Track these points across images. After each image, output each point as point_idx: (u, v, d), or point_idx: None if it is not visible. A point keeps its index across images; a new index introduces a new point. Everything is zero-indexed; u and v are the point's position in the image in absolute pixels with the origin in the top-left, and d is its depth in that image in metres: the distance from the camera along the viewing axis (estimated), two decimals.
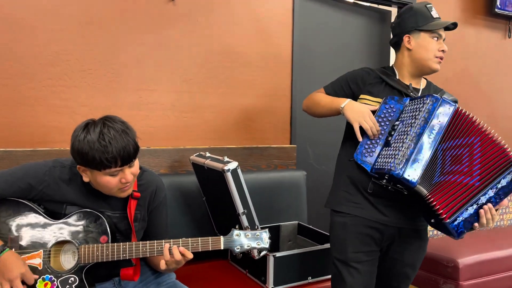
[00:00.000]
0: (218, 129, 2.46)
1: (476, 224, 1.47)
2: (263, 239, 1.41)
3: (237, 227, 1.43)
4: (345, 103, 1.64)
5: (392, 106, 1.62)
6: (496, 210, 1.48)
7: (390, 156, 1.52)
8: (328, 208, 1.77)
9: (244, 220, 1.81)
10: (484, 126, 1.49)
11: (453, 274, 2.54)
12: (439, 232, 2.96)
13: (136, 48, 2.21)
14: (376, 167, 1.57)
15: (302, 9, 2.76)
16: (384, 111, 1.63)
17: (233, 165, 1.78)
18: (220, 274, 2.10)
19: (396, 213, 1.65)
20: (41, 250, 1.38)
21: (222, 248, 1.40)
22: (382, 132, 1.61)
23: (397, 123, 1.59)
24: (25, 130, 1.99)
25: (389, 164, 1.49)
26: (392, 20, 2.84)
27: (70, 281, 1.38)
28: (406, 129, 1.53)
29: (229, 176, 1.76)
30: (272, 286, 1.89)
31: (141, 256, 1.40)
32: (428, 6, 1.67)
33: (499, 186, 1.45)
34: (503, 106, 3.82)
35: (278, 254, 1.89)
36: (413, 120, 1.52)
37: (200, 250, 1.40)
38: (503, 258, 2.71)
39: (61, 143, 2.05)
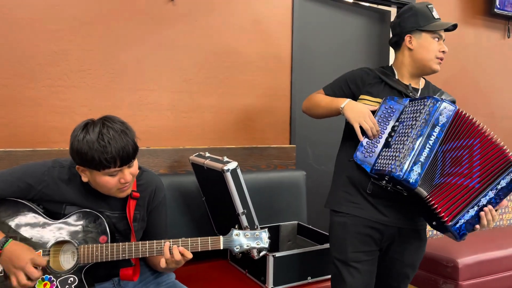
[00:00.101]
0: (217, 129, 2.46)
1: (477, 226, 1.48)
2: (263, 239, 1.41)
3: (236, 227, 1.43)
4: (345, 103, 1.64)
5: (392, 106, 1.62)
6: (496, 210, 1.48)
7: (391, 158, 1.52)
8: (328, 208, 1.77)
9: (243, 220, 1.81)
10: (483, 127, 1.49)
11: (452, 274, 2.54)
12: (439, 232, 2.96)
13: (136, 48, 2.21)
14: (376, 168, 1.57)
15: (302, 9, 2.76)
16: (384, 112, 1.63)
17: (232, 165, 1.78)
18: (220, 274, 2.10)
19: (396, 213, 1.65)
20: (41, 250, 1.38)
21: (221, 248, 1.40)
22: (382, 132, 1.61)
23: (397, 124, 1.59)
24: (24, 130, 1.99)
25: (389, 166, 1.49)
26: (392, 19, 2.83)
27: (69, 281, 1.38)
28: (406, 131, 1.53)
29: (228, 176, 1.76)
30: (272, 286, 1.89)
31: (140, 256, 1.40)
32: (429, 6, 1.67)
33: (499, 187, 1.46)
34: (502, 106, 3.82)
35: (277, 254, 1.89)
36: (414, 122, 1.52)
37: (199, 250, 1.39)
38: (502, 258, 2.71)
39: (60, 143, 2.05)
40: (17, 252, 1.30)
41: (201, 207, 2.21)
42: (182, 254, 1.38)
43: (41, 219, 1.40)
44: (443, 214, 1.45)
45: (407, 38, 1.68)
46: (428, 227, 1.71)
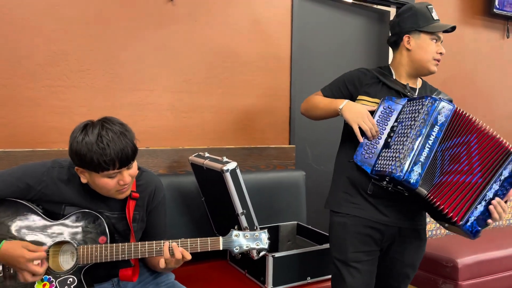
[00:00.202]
0: (217, 129, 2.46)
1: (489, 220, 1.47)
2: (262, 239, 1.41)
3: (236, 227, 1.43)
4: (343, 104, 1.64)
5: (390, 106, 1.62)
6: (506, 202, 1.48)
7: (391, 158, 1.52)
8: (328, 209, 1.78)
9: (243, 220, 1.81)
10: (480, 123, 1.49)
11: (452, 274, 2.54)
12: (439, 232, 2.96)
13: (135, 48, 2.20)
14: (376, 169, 1.57)
15: (301, 9, 2.76)
16: (383, 112, 1.63)
17: (232, 165, 1.78)
18: (219, 274, 2.10)
19: (396, 213, 1.65)
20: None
21: (221, 248, 1.40)
22: (381, 133, 1.61)
23: (395, 124, 1.59)
24: (24, 131, 1.99)
25: (390, 167, 1.49)
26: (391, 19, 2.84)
27: (68, 282, 1.38)
28: (405, 131, 1.53)
29: (228, 176, 1.76)
30: (271, 286, 1.89)
31: (140, 256, 1.40)
32: (429, 7, 1.67)
33: (502, 178, 1.46)
34: (501, 106, 3.82)
35: (277, 255, 1.89)
36: (412, 122, 1.52)
37: (199, 251, 1.39)
38: (502, 258, 2.71)
39: (60, 144, 2.05)
40: (10, 251, 1.30)
41: (200, 208, 2.21)
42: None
43: (40, 220, 1.40)
44: (452, 214, 1.45)
45: (405, 38, 1.68)
46: (428, 227, 1.71)
